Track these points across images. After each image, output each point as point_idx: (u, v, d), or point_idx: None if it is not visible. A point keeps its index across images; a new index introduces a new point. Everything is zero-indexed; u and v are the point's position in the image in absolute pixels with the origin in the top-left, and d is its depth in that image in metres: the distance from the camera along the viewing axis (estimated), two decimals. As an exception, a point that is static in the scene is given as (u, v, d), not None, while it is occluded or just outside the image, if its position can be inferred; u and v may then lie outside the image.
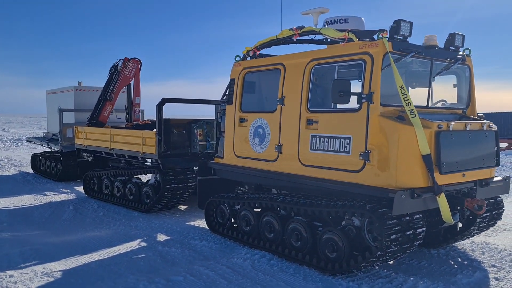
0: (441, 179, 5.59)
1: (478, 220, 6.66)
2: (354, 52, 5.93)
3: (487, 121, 6.42)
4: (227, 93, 8.19)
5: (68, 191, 12.60)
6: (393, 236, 5.30)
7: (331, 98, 5.86)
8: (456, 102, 6.96)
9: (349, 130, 5.89)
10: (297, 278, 5.83)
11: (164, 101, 9.26)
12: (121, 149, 10.40)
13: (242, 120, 7.69)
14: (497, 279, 5.89)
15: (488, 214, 6.72)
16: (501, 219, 7.16)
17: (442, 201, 5.51)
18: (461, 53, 6.67)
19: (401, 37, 5.87)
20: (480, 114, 6.87)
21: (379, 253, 5.34)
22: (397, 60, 5.75)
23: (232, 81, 7.94)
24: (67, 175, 13.98)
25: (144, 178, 11.45)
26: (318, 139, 6.31)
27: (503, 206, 7.05)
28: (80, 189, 12.77)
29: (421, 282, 5.65)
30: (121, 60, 12.46)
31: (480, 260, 6.62)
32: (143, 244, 7.44)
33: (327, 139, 6.18)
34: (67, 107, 14.47)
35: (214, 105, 10.17)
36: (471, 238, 7.38)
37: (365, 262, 5.55)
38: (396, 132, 5.43)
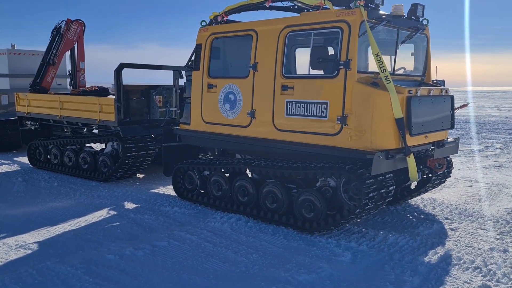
0: (410, 141, 6.06)
1: (433, 178, 7.32)
2: (331, 19, 6.12)
3: (444, 87, 6.98)
4: (192, 58, 8.08)
5: (9, 162, 11.83)
6: (371, 194, 5.72)
7: (310, 64, 6.04)
8: (413, 70, 7.46)
9: (326, 96, 6.14)
10: (278, 237, 6.10)
11: (122, 66, 8.91)
12: (74, 117, 9.91)
13: (210, 86, 7.66)
14: (452, 229, 6.58)
15: (441, 172, 7.40)
16: (450, 176, 7.91)
17: (411, 161, 5.99)
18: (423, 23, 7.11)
19: (374, 6, 6.13)
20: (435, 81, 7.43)
21: (358, 210, 5.74)
22: (372, 28, 6.02)
23: (198, 46, 7.83)
24: (4, 146, 13.07)
25: (95, 146, 11.04)
26: (293, 104, 6.50)
27: (452, 165, 7.79)
28: (23, 159, 12.05)
29: (390, 235, 6.17)
30: (64, 22, 11.67)
31: (433, 214, 7.31)
32: (113, 212, 7.32)
33: (303, 104, 6.39)
34: (0, 72, 13.36)
35: (172, 71, 9.95)
36: (420, 195, 8.09)
37: (344, 220, 5.94)
38: (373, 97, 5.77)
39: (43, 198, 8.20)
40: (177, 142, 8.48)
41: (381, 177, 5.93)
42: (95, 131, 10.35)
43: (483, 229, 6.58)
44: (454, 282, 4.83)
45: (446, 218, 7.08)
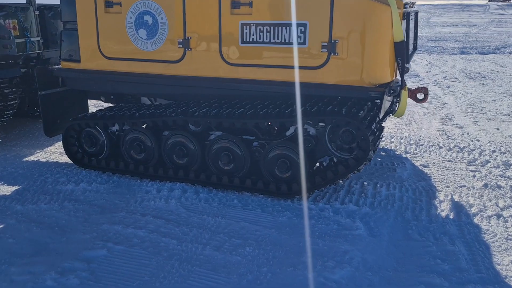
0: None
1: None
2: None
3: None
4: (71, -39, 5.42)
5: None
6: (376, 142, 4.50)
7: (285, -32, 4.25)
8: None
9: (304, 15, 4.47)
10: (255, 212, 4.57)
11: None
12: None
13: (110, 4, 5.25)
14: (424, 165, 5.87)
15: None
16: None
17: (405, 95, 4.89)
18: None
19: None
20: None
21: (365, 162, 4.48)
22: None
23: None
24: None
25: None
26: (252, 28, 4.68)
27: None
28: None
29: (378, 186, 5.15)
30: None
31: (391, 149, 6.54)
32: (-17, 207, 4.78)
33: (267, 27, 4.63)
34: None
35: (23, -18, 6.89)
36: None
37: (337, 176, 4.65)
38: (374, 13, 4.32)
39: None
40: (59, 88, 5.95)
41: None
42: None
43: (449, 161, 6.02)
44: (503, 240, 4.04)
45: (407, 152, 6.37)
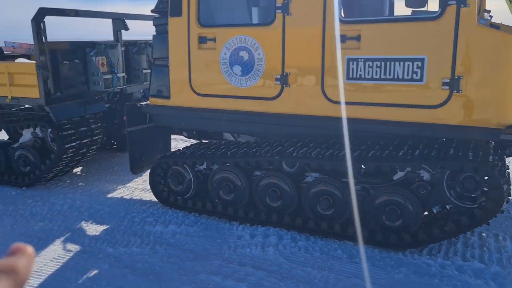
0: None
1: None
2: None
3: None
4: (165, -2, 5.37)
5: None
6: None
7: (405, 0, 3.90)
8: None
9: (422, 48, 4.07)
10: (369, 266, 4.09)
11: (44, 12, 5.76)
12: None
13: (203, 40, 5.10)
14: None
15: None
16: None
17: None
18: None
19: None
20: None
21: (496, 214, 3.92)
22: None
23: (177, -22, 5.14)
24: None
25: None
26: (360, 63, 4.33)
27: None
28: None
29: (500, 237, 4.53)
30: None
31: None
32: (73, 247, 4.62)
33: (378, 62, 4.26)
34: None
35: (111, 19, 6.99)
36: None
37: (463, 228, 4.10)
38: (507, 46, 3.84)
39: None
40: (145, 124, 5.84)
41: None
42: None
43: None
44: None
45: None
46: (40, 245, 4.70)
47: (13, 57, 8.52)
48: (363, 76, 4.34)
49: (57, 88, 6.03)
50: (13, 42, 9.12)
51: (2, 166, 6.69)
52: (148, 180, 6.43)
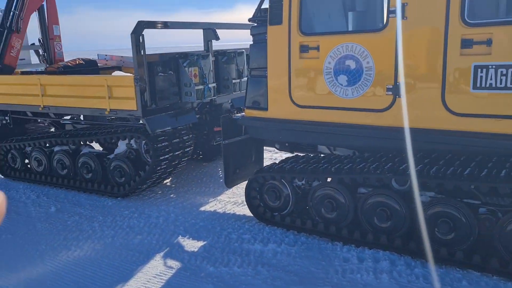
0: None
1: None
2: None
3: None
4: (264, 6, 5.18)
5: (-31, 172, 8.52)
6: None
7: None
8: None
9: None
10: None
11: (142, 26, 5.81)
12: (67, 107, 6.75)
13: (305, 49, 4.83)
14: None
15: None
16: None
17: None
18: None
19: None
20: None
21: None
22: None
23: (278, -16, 4.92)
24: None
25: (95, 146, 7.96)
26: (490, 70, 3.84)
27: None
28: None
29: None
30: (25, -30, 8.18)
31: None
32: (173, 264, 4.51)
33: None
34: None
35: (202, 30, 6.95)
36: None
37: None
38: None
39: (45, 241, 5.23)
40: (241, 136, 5.68)
41: None
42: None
43: None
44: None
45: None
46: (142, 259, 4.65)
47: (106, 69, 8.82)
48: (494, 85, 3.83)
49: (153, 100, 6.05)
50: (105, 55, 9.45)
51: (99, 176, 6.86)
52: (239, 193, 6.33)
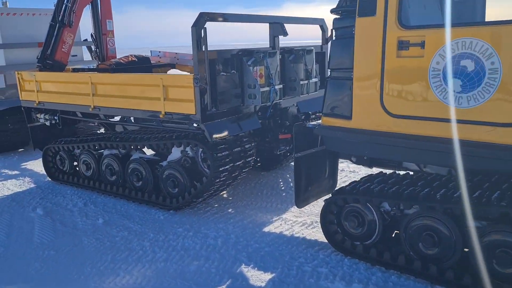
0: None
1: None
2: None
3: None
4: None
5: (16, 172, 8.17)
6: None
7: None
8: None
9: None
10: None
11: (205, 18, 5.08)
12: (119, 108, 6.15)
13: (405, 46, 3.91)
14: None
15: None
16: None
17: None
18: None
19: None
20: None
21: None
22: None
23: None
24: (4, 145, 9.38)
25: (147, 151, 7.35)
26: None
27: None
28: (35, 166, 8.43)
29: None
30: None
31: None
32: (241, 305, 3.74)
33: None
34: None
35: (268, 24, 6.15)
36: None
37: None
38: None
39: (90, 262, 4.60)
40: (316, 148, 4.83)
41: None
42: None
43: None
44: None
45: None
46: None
47: (159, 67, 8.22)
48: None
49: (213, 102, 5.31)
50: (159, 52, 8.88)
51: (149, 185, 6.23)
52: (307, 211, 5.53)
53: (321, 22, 7.30)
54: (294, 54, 6.41)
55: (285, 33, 6.10)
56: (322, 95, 7.34)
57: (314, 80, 6.64)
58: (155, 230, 5.30)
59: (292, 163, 7.85)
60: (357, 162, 5.02)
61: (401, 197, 3.98)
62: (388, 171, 4.76)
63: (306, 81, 6.47)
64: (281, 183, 6.91)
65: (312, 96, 6.82)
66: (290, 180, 7.04)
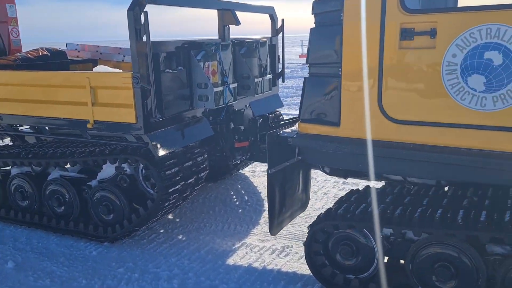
0: None
1: None
2: None
3: None
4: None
5: None
6: None
7: None
8: None
9: None
10: None
11: (145, 1, 3.95)
12: (29, 116, 4.78)
13: (410, 34, 3.14)
14: None
15: None
16: None
17: None
18: None
19: None
20: None
21: None
22: None
23: None
24: None
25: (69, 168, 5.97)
26: None
27: None
28: None
29: None
30: None
31: None
32: None
33: None
34: None
35: (216, 10, 5.15)
36: None
37: None
38: None
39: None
40: (290, 161, 3.96)
41: None
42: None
43: None
44: None
45: None
46: None
47: (78, 63, 6.88)
48: None
49: (159, 108, 4.21)
50: (76, 44, 7.48)
51: (75, 211, 4.97)
52: (274, 234, 4.59)
53: (271, 11, 6.43)
54: (246, 47, 5.46)
55: (237, 22, 5.15)
56: (276, 93, 6.54)
57: (268, 76, 5.78)
58: (87, 274, 4.09)
59: (242, 172, 6.95)
60: (330, 173, 4.24)
61: (413, 224, 3.23)
62: (378, 185, 4.02)
63: (260, 78, 5.57)
64: (234, 196, 5.96)
65: (266, 95, 5.97)
66: (243, 192, 6.12)
